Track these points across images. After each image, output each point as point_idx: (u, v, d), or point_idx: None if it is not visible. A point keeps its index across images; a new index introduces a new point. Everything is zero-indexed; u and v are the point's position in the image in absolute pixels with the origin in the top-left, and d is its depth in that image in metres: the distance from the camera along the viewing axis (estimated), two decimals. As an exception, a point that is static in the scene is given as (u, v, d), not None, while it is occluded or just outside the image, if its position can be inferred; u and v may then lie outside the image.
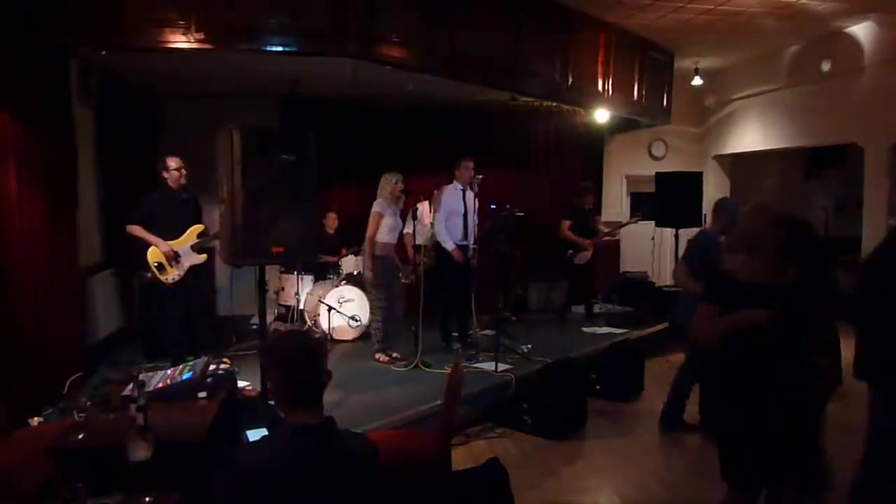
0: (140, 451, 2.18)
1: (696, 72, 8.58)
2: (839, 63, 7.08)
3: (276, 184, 3.55)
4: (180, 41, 4.21)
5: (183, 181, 5.07)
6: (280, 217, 3.58)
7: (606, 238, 7.72)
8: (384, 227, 5.42)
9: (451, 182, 6.00)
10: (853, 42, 6.90)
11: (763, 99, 8.38)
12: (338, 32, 4.38)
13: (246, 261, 3.75)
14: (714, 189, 9.41)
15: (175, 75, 6.00)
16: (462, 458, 4.18)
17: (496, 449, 4.35)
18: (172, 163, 5.02)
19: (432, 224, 5.95)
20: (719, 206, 4.63)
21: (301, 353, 1.79)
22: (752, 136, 8.67)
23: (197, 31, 4.22)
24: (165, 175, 5.02)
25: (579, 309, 7.84)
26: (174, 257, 4.90)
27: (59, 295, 4.55)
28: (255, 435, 2.63)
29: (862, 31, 6.82)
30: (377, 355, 5.59)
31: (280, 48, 4.40)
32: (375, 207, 5.44)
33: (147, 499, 2.07)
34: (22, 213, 4.12)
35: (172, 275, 4.92)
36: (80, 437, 2.63)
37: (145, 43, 4.24)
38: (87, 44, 4.41)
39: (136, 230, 4.87)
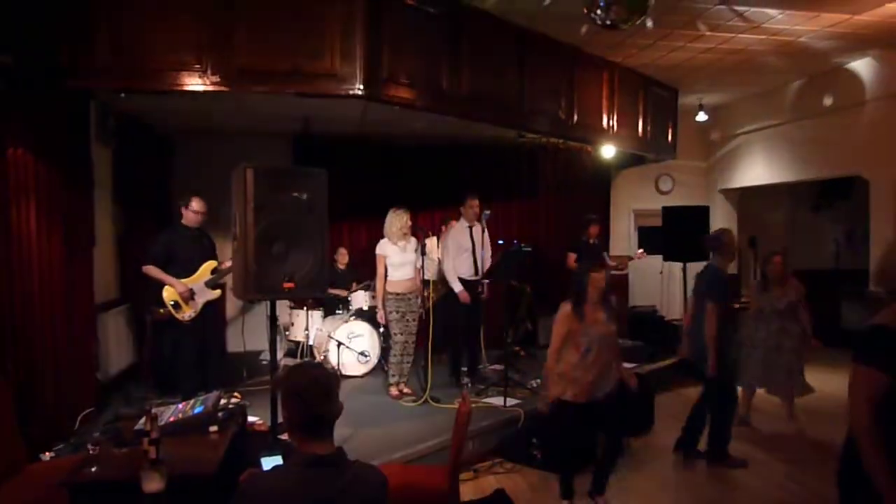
0: (153, 484, 2.23)
1: (701, 107, 8.72)
2: (841, 97, 7.19)
3: (288, 221, 3.63)
4: (196, 84, 4.36)
5: (202, 223, 5.16)
6: (291, 253, 3.65)
7: (614, 272, 7.74)
8: (391, 267, 5.51)
9: (458, 218, 6.10)
10: (854, 77, 7.03)
11: (768, 133, 8.48)
12: (347, 74, 4.52)
13: (258, 296, 3.82)
14: (721, 222, 9.46)
15: (191, 116, 6.18)
16: (470, 492, 4.17)
17: (505, 484, 4.33)
18: (198, 206, 5.08)
19: (440, 259, 6.02)
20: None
21: (313, 385, 1.84)
22: (757, 169, 8.75)
23: (213, 74, 4.37)
24: (187, 212, 5.07)
25: None
26: (190, 296, 4.98)
27: (74, 331, 4.63)
28: (270, 462, 2.67)
29: (862, 66, 6.95)
30: (390, 389, 5.65)
31: (292, 90, 4.54)
32: (378, 250, 5.54)
33: (160, 530, 2.11)
34: (40, 250, 4.23)
35: (189, 312, 4.98)
36: (94, 470, 2.68)
37: (163, 86, 4.38)
38: (107, 87, 4.57)
39: (153, 271, 4.92)
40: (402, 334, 5.55)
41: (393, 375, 5.65)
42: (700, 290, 4.67)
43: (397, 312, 5.52)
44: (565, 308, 3.95)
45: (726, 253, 4.65)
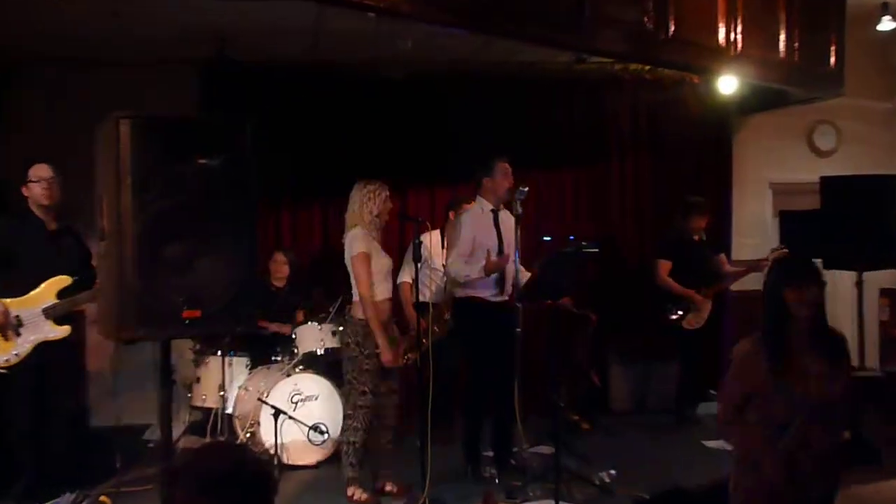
0: None
1: (885, 8, 8.66)
2: None
3: (192, 205, 3.63)
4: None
5: (49, 201, 5.19)
6: (197, 260, 3.65)
7: (736, 288, 7.73)
8: (377, 276, 5.52)
9: (474, 199, 6.12)
10: None
11: None
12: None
13: (140, 333, 3.82)
14: (919, 203, 9.42)
15: (37, 32, 6.20)
16: None
17: None
18: (37, 171, 5.13)
19: (445, 267, 6.00)
20: None
21: (236, 475, 1.84)
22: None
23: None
24: (24, 192, 5.13)
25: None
26: (12, 325, 4.98)
27: None
28: None
29: None
30: (351, 490, 5.61)
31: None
32: (360, 246, 5.46)
33: None
34: None
35: (6, 354, 4.98)
36: None
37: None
38: None
39: None
40: (373, 395, 5.54)
41: (352, 465, 5.62)
42: None
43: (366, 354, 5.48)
44: (743, 346, 3.66)
45: None
